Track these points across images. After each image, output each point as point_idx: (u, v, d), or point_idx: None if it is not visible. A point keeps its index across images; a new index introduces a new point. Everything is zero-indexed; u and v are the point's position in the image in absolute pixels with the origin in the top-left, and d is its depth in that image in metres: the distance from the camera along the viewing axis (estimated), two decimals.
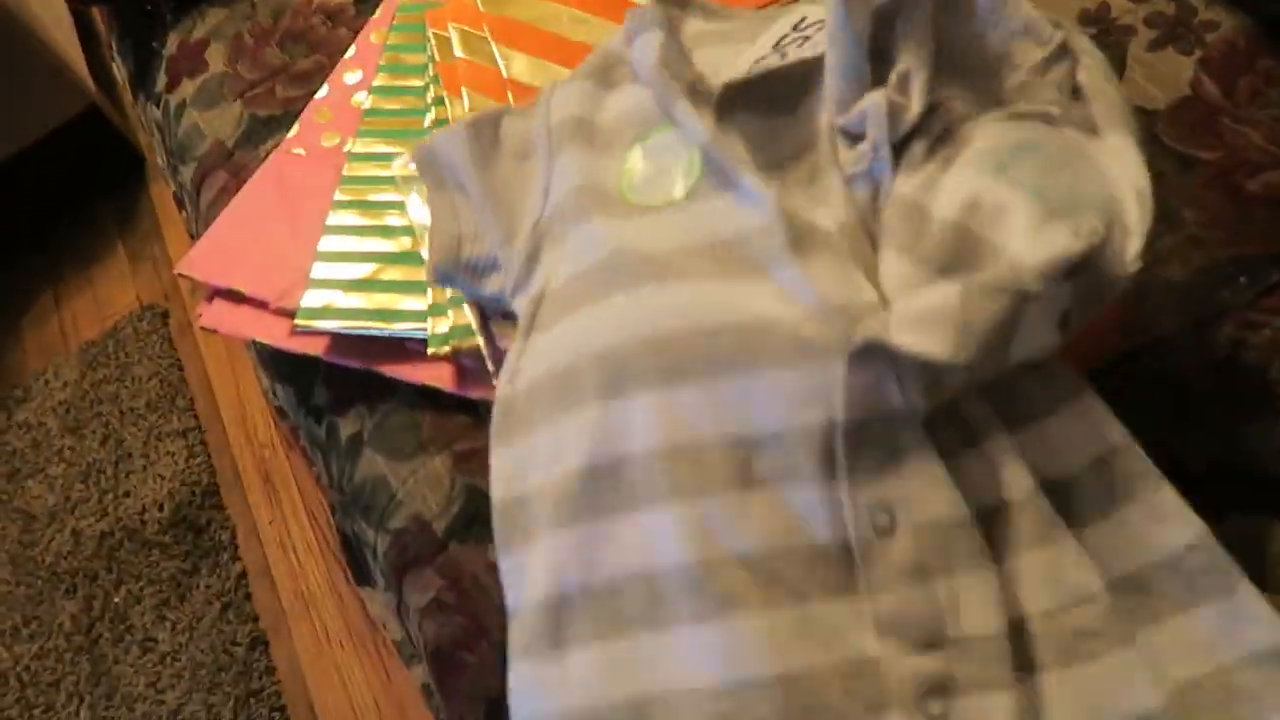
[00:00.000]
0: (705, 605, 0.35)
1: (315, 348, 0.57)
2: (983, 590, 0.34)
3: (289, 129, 0.68)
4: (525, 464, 0.41)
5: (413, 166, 0.55)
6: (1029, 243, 0.34)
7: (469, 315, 0.52)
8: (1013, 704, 0.33)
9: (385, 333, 0.54)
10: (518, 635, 0.39)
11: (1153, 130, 0.52)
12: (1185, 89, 0.53)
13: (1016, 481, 0.36)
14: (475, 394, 0.53)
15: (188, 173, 0.75)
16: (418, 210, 0.56)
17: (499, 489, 0.42)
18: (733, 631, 0.34)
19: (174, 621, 1.19)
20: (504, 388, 0.43)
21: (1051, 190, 0.35)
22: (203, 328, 0.60)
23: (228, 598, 1.20)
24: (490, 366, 0.50)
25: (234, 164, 0.71)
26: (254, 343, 0.62)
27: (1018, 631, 0.34)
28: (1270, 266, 0.42)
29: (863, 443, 0.35)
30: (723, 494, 0.36)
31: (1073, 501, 0.37)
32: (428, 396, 0.55)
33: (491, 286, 0.49)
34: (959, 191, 0.37)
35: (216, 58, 0.78)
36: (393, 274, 0.56)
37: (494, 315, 0.51)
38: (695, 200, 0.43)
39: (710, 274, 0.40)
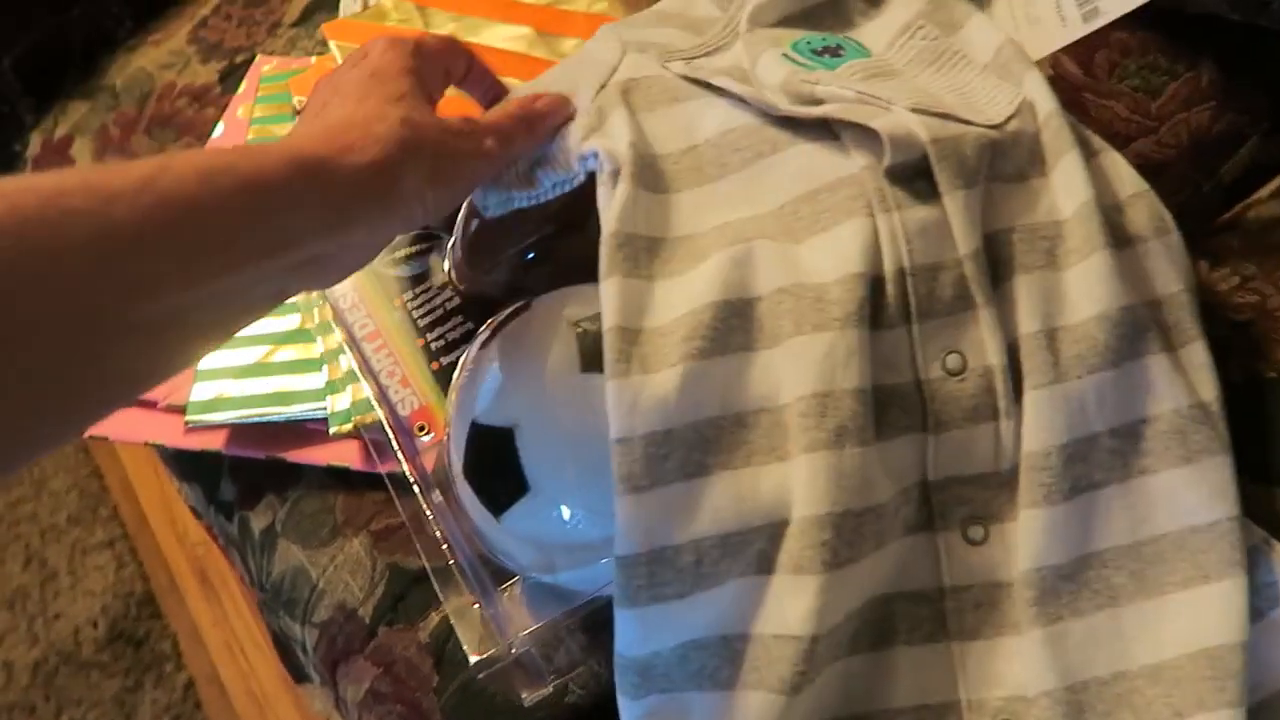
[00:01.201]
0: (820, 437, 0.36)
1: (213, 442, 0.54)
2: (1036, 414, 0.37)
3: None
4: (645, 304, 0.39)
5: None
6: None
7: (366, 389, 0.50)
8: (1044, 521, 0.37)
9: (283, 417, 0.52)
10: (632, 462, 0.36)
11: None
12: (1049, 71, 0.54)
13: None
14: (385, 468, 0.51)
15: None
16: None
17: (614, 318, 0.38)
18: (840, 461, 0.36)
19: None
20: (621, 224, 0.39)
21: None
22: (90, 436, 0.57)
23: (176, 710, 1.14)
24: (392, 440, 0.48)
25: None
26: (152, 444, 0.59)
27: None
28: (1190, 218, 0.42)
29: (934, 290, 0.37)
30: (842, 331, 0.37)
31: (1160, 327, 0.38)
32: (337, 477, 0.53)
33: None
34: None
35: (83, 153, 0.76)
36: (285, 354, 0.54)
37: (382, 368, 0.49)
38: None
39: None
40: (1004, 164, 0.39)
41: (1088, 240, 0.37)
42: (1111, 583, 0.37)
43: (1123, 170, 0.41)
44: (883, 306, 0.37)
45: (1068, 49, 0.54)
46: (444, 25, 0.63)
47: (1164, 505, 0.37)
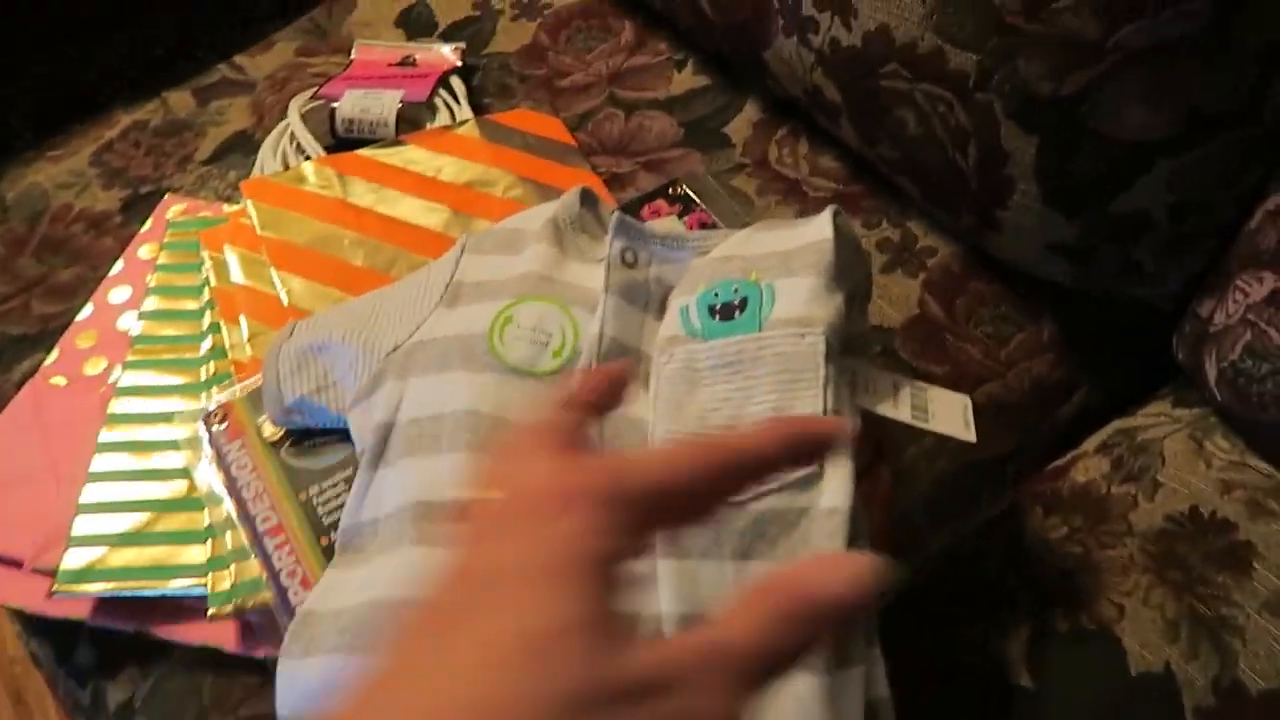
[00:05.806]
0: None
1: (78, 611, 0.52)
2: None
3: (47, 352, 0.63)
4: (337, 589, 0.41)
5: (199, 427, 0.53)
6: None
7: (258, 568, 0.49)
8: None
9: (160, 593, 0.51)
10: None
11: (891, 345, 0.59)
12: (915, 308, 0.60)
13: None
14: (263, 653, 0.50)
15: None
16: (205, 473, 0.52)
17: (309, 601, 0.43)
18: None
19: None
20: (349, 518, 0.44)
21: None
22: None
23: None
24: (283, 624, 0.47)
25: None
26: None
27: None
28: (1028, 454, 0.47)
29: None
30: None
31: None
32: (209, 656, 0.51)
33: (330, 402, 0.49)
34: None
35: None
36: (167, 524, 0.53)
37: (284, 568, 0.49)
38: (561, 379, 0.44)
39: None
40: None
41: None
42: None
43: None
44: None
45: (934, 291, 0.61)
46: (363, 196, 0.65)
47: None
